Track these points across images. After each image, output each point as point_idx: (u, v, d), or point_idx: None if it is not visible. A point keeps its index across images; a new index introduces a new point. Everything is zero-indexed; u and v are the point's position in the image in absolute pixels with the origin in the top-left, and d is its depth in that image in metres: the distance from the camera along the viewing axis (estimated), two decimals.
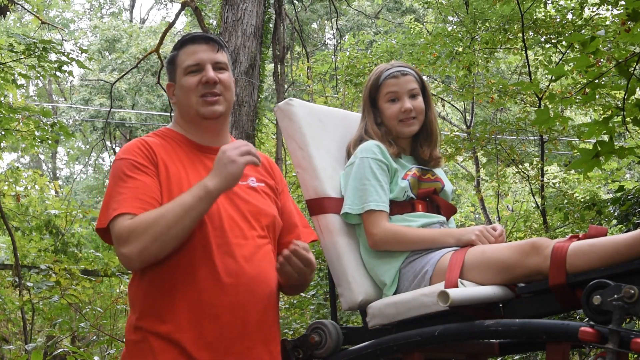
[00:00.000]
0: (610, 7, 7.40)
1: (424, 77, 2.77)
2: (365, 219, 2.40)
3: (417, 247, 2.36)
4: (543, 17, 8.34)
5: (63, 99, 23.14)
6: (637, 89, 3.53)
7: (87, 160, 23.47)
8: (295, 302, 6.24)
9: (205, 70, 2.16)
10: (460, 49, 8.83)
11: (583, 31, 7.66)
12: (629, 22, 3.33)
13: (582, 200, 7.42)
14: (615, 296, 1.81)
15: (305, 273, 2.10)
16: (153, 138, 2.19)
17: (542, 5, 8.42)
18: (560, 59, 8.26)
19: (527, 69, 8.43)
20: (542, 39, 8.46)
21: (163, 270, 2.02)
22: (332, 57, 12.48)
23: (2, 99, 7.09)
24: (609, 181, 11.22)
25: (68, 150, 25.88)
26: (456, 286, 2.13)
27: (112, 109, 11.56)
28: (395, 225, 2.39)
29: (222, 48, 2.21)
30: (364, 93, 2.63)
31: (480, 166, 11.39)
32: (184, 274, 2.01)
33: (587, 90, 3.55)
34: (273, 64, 7.88)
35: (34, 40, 6.23)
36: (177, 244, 1.98)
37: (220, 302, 2.00)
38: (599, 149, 3.06)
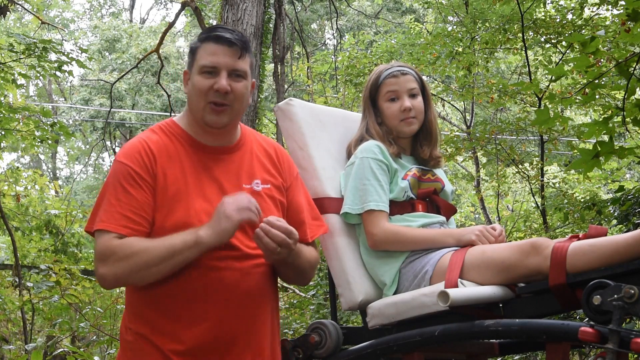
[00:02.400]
0: (610, 7, 7.40)
1: (424, 77, 2.78)
2: (365, 219, 2.40)
3: (417, 247, 2.36)
4: (543, 17, 8.34)
5: (63, 99, 23.15)
6: (637, 89, 3.53)
7: (87, 160, 23.47)
8: (295, 302, 6.25)
9: (219, 76, 2.06)
10: (460, 49, 8.82)
11: (583, 31, 7.66)
12: (629, 22, 3.33)
13: (582, 200, 7.42)
14: (615, 296, 1.81)
15: (289, 245, 1.98)
16: (157, 136, 2.12)
17: (542, 5, 8.41)
18: (560, 59, 8.26)
19: (527, 69, 8.43)
20: (542, 39, 8.46)
21: (158, 283, 2.00)
22: (332, 57, 12.48)
23: (2, 99, 7.09)
24: (609, 181, 11.21)
25: (68, 150, 25.89)
26: (456, 286, 2.13)
27: (112, 109, 11.56)
28: (395, 226, 2.39)
29: (245, 53, 2.10)
30: (364, 93, 2.63)
31: (480, 166, 11.39)
32: (177, 285, 1.99)
33: (587, 90, 3.54)
34: (273, 64, 7.88)
35: (34, 40, 6.23)
36: (156, 280, 1.97)
37: (207, 312, 1.99)
38: (599, 149, 3.06)
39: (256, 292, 2.06)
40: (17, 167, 9.23)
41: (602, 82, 3.50)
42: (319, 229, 2.29)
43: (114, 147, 21.86)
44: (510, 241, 2.95)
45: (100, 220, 1.98)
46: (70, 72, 6.55)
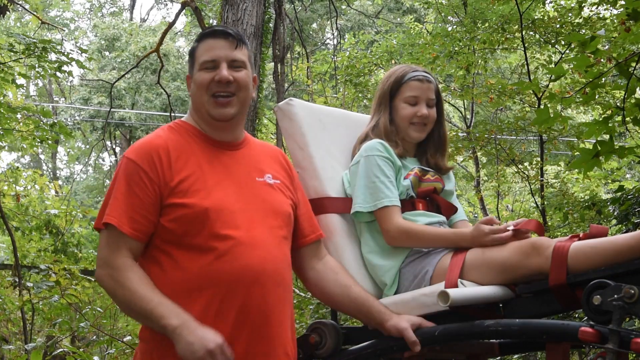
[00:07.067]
0: (609, 6, 7.39)
1: None
2: (379, 216, 2.39)
3: (431, 245, 2.34)
4: (542, 17, 8.33)
5: (63, 99, 23.14)
6: (637, 89, 3.53)
7: (87, 160, 23.46)
8: (295, 302, 6.23)
9: (219, 68, 2.11)
10: (458, 49, 8.82)
11: (582, 31, 7.65)
12: (629, 22, 3.33)
13: (582, 200, 7.42)
14: (615, 296, 1.81)
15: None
16: (168, 134, 2.15)
17: (540, 5, 8.41)
18: (560, 59, 8.26)
19: (527, 68, 8.43)
20: (542, 39, 8.46)
21: (178, 273, 2.01)
22: (332, 57, 12.47)
23: (1, 98, 7.09)
24: (609, 181, 11.21)
25: (68, 150, 25.89)
26: (456, 286, 2.13)
27: (112, 109, 11.56)
28: (409, 222, 2.38)
29: (241, 44, 2.16)
30: (383, 87, 2.59)
31: (480, 166, 11.39)
32: (200, 276, 1.99)
33: (587, 90, 3.54)
34: (273, 64, 7.88)
35: (34, 40, 6.24)
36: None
37: (237, 303, 1.99)
38: (599, 148, 3.06)
39: (280, 278, 2.08)
40: (17, 167, 9.24)
41: (602, 82, 3.50)
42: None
43: (113, 146, 21.88)
44: None
45: (108, 215, 2.02)
46: (70, 73, 6.56)
